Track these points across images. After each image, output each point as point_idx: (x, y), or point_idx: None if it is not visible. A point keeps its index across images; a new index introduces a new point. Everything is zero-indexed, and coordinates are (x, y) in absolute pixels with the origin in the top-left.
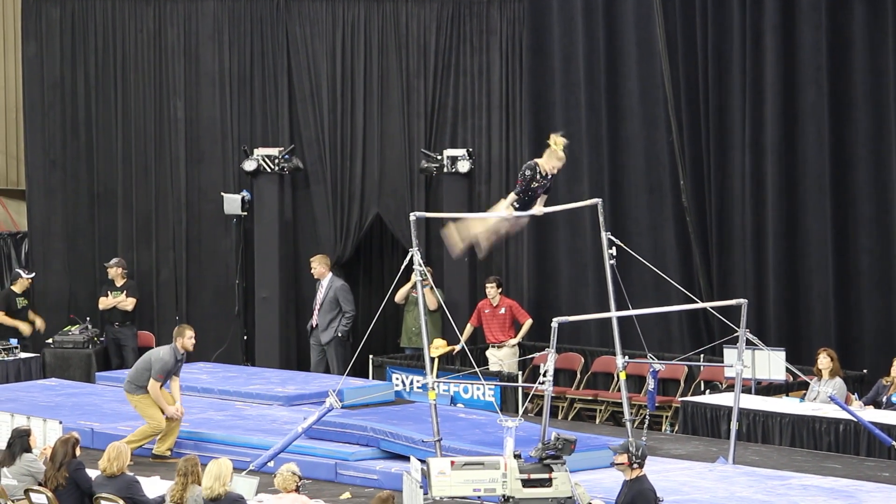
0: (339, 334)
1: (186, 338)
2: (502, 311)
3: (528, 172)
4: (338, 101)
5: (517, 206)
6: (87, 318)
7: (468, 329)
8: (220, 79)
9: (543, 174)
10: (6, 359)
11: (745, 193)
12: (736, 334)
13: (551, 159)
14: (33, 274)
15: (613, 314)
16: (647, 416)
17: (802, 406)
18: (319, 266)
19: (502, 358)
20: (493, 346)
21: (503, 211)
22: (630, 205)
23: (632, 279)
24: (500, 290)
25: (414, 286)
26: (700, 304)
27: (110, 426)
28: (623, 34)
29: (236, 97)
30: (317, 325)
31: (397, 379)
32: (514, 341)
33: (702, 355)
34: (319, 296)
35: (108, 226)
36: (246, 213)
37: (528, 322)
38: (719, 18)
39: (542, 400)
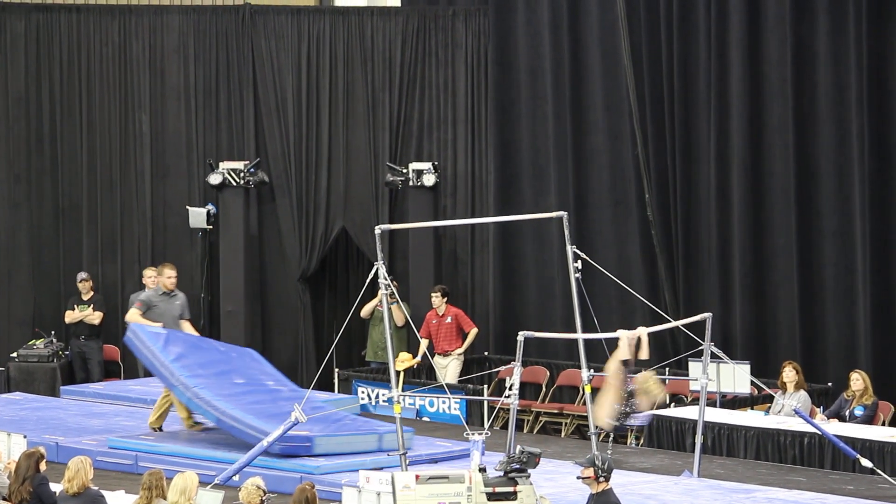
0: None
1: (165, 276)
2: (448, 319)
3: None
4: (303, 115)
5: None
6: (52, 332)
7: (424, 343)
8: (185, 92)
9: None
10: None
11: (711, 206)
12: (701, 348)
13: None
14: None
15: (580, 336)
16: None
17: (767, 419)
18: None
19: (446, 367)
20: (440, 356)
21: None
22: (595, 218)
23: (597, 292)
24: (444, 299)
25: (380, 301)
26: (667, 325)
27: (75, 440)
28: (588, 47)
29: (201, 111)
30: None
31: (363, 392)
32: (460, 351)
33: (667, 369)
34: None
35: (73, 239)
36: (211, 227)
37: (474, 331)
38: (684, 32)
39: (507, 413)
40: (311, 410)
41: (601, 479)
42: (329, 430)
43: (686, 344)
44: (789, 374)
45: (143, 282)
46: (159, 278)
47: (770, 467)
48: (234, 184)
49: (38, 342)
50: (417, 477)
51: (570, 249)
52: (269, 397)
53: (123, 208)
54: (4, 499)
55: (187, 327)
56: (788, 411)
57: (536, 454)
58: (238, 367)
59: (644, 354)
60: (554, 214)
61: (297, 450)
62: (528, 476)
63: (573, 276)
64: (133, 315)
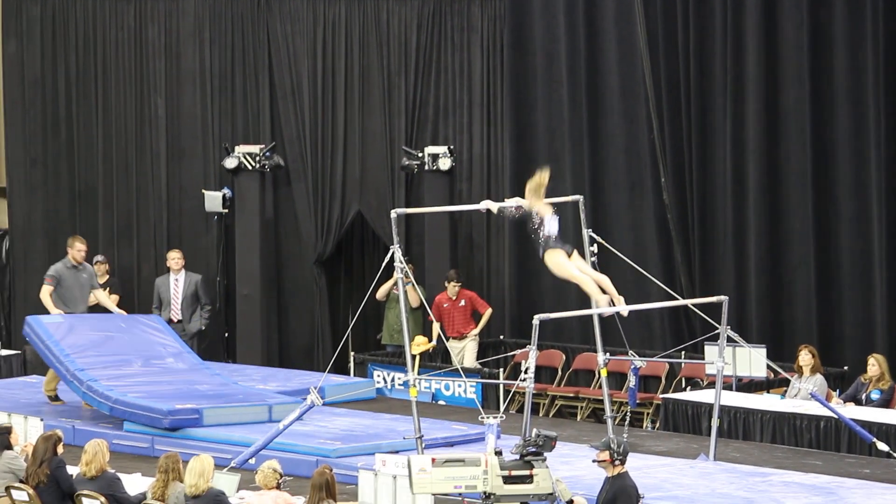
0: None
1: (75, 249)
2: (462, 303)
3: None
4: (319, 99)
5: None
6: None
7: (437, 325)
8: (200, 76)
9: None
10: None
11: (727, 190)
12: (717, 331)
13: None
14: None
15: (594, 311)
16: (628, 413)
17: (783, 403)
18: (182, 259)
19: (463, 350)
20: (454, 339)
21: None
22: (611, 202)
23: (613, 276)
24: (459, 284)
25: (396, 283)
26: (681, 301)
27: (91, 423)
28: (604, 31)
29: (217, 94)
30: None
31: (378, 376)
32: (476, 331)
33: (683, 352)
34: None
35: (89, 223)
36: (227, 211)
37: (489, 311)
38: (700, 16)
39: (523, 397)
40: (219, 385)
41: (617, 462)
42: (218, 401)
43: (702, 328)
44: (805, 357)
45: (168, 265)
46: (70, 250)
47: (786, 451)
48: (250, 167)
49: None
50: (433, 460)
51: (587, 233)
52: (166, 378)
53: (139, 192)
54: (21, 481)
55: (101, 296)
56: (805, 395)
57: (552, 438)
58: (139, 345)
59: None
60: (570, 199)
61: (185, 422)
62: (544, 459)
63: (589, 259)
64: (44, 293)
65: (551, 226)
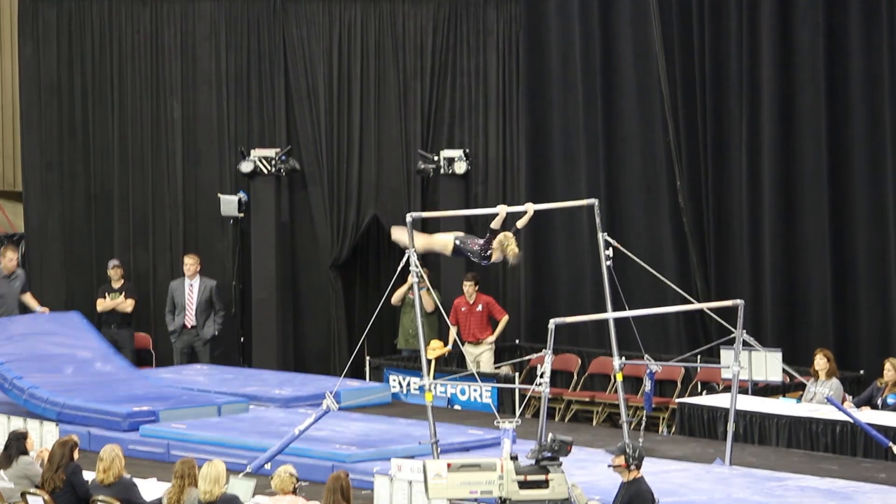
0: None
1: (7, 259)
2: (479, 308)
3: (475, 248)
4: (335, 102)
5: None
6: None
7: (453, 329)
8: (216, 79)
9: (485, 254)
10: None
11: (742, 194)
12: (733, 335)
13: (497, 252)
14: None
15: (610, 315)
16: (644, 418)
17: (799, 407)
18: (197, 264)
19: (479, 356)
20: (470, 344)
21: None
22: (627, 205)
23: (628, 280)
24: (476, 287)
25: (411, 288)
26: (697, 305)
27: (106, 428)
28: (619, 34)
29: (233, 98)
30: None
31: (394, 380)
32: (491, 339)
33: (699, 356)
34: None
35: (104, 227)
36: (243, 215)
37: (505, 318)
38: (716, 18)
39: (538, 402)
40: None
41: (632, 467)
42: (170, 403)
43: (718, 332)
44: (821, 361)
45: (184, 270)
46: (2, 260)
47: (802, 455)
48: (266, 171)
49: None
50: (449, 465)
51: (602, 237)
52: (101, 381)
53: (155, 195)
54: (37, 487)
55: (28, 299)
56: (820, 399)
57: (568, 442)
58: (66, 351)
59: (521, 224)
60: (585, 202)
61: (143, 423)
62: (560, 464)
63: (604, 263)
64: None
65: (484, 259)
